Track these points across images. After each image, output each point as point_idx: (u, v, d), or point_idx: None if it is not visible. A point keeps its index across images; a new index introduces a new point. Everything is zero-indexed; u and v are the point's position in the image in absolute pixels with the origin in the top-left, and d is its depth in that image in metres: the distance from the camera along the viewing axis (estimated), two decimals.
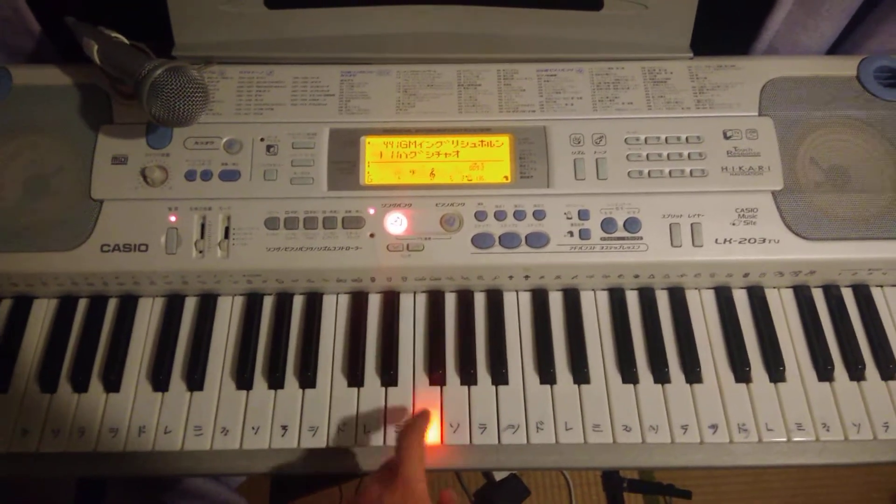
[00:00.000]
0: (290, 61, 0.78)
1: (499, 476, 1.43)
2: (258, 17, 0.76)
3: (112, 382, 0.70)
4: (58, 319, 0.74)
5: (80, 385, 0.71)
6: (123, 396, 0.70)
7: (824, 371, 0.71)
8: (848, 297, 0.77)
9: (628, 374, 0.71)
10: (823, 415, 0.69)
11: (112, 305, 0.75)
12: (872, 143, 0.75)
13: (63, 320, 0.74)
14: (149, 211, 0.72)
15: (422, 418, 0.64)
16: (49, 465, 0.68)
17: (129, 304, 0.75)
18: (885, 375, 0.72)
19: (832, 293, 0.76)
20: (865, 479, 1.46)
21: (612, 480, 1.43)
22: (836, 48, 0.86)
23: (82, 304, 0.75)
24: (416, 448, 0.59)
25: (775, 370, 0.71)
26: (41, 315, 0.75)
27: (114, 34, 0.73)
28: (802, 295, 0.76)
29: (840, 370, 0.72)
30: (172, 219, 0.71)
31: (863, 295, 0.76)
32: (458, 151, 0.75)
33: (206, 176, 0.72)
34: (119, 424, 0.69)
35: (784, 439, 0.68)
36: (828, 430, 0.68)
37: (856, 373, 0.72)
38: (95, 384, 0.71)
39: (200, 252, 0.71)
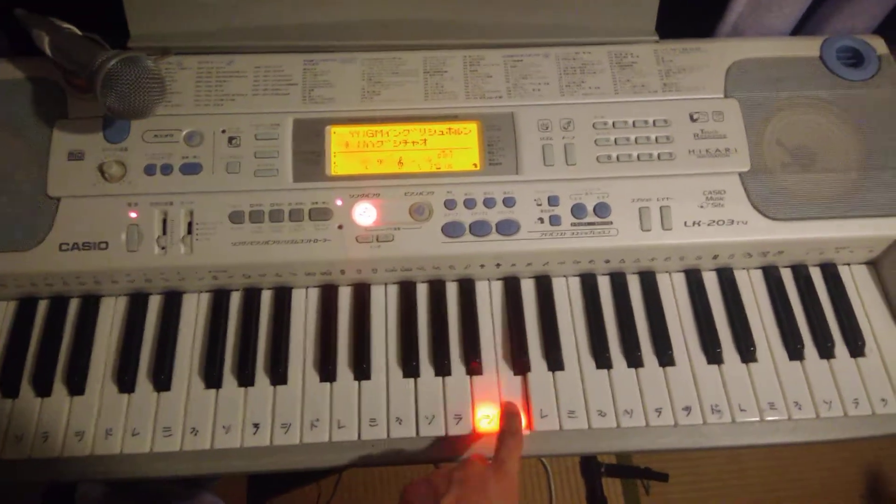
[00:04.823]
0: (251, 50, 0.76)
1: None
2: (216, 5, 0.74)
3: (76, 385, 0.69)
4: (17, 322, 0.72)
5: (43, 389, 0.69)
6: (88, 399, 0.68)
7: (795, 350, 0.72)
8: (816, 276, 0.77)
9: (602, 359, 0.71)
10: (795, 393, 0.70)
11: (73, 306, 0.73)
12: (836, 122, 0.76)
13: (23, 323, 0.72)
14: (108, 207, 0.70)
15: (518, 421, 0.65)
16: (13, 472, 0.66)
17: (91, 305, 0.73)
18: (854, 352, 0.73)
19: (800, 273, 0.77)
20: (839, 455, 1.49)
21: (590, 466, 1.44)
22: (800, 29, 0.86)
23: (42, 306, 0.73)
24: (518, 450, 0.62)
25: (746, 351, 0.72)
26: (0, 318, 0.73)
27: (66, 25, 0.71)
28: (771, 275, 0.77)
29: (810, 349, 0.73)
30: (133, 215, 0.69)
31: (830, 274, 0.77)
32: (425, 139, 0.74)
33: (167, 170, 0.71)
34: (85, 428, 0.67)
35: (757, 419, 0.69)
36: (799, 409, 0.69)
37: (825, 351, 0.72)
38: (59, 388, 0.69)
39: (163, 248, 0.69)
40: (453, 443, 0.68)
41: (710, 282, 0.76)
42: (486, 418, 0.68)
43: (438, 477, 0.58)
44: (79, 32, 0.70)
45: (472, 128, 0.74)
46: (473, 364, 0.70)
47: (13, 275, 0.69)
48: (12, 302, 0.73)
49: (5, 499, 0.90)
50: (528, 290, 0.75)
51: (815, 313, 0.74)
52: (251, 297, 0.73)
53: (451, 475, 0.57)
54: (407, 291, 0.74)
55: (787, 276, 0.77)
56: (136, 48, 0.74)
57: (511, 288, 0.75)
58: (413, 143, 0.74)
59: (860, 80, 0.78)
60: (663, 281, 0.76)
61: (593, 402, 0.69)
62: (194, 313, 0.73)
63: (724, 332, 0.73)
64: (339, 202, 0.71)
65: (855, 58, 0.79)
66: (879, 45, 0.80)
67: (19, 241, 0.68)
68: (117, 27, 0.74)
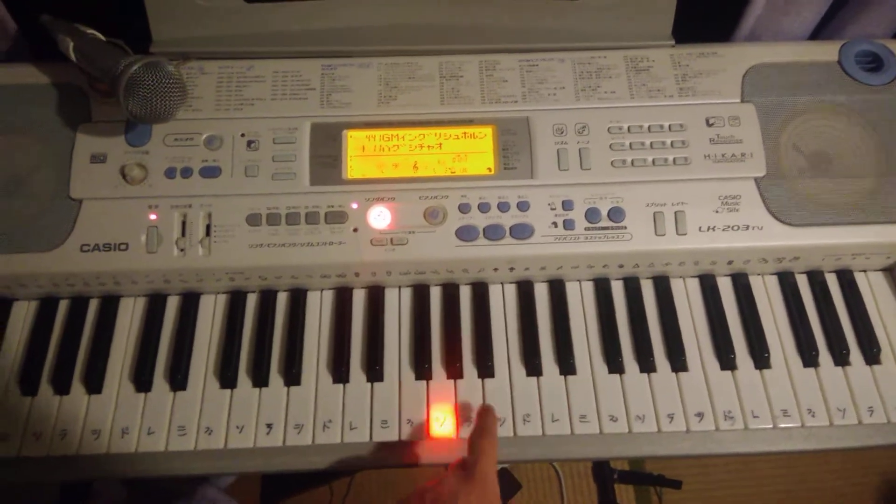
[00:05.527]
0: (270, 55, 0.77)
1: None
2: (237, 12, 0.75)
3: (94, 384, 0.70)
4: (38, 321, 0.73)
5: (62, 387, 0.70)
6: (106, 398, 0.69)
7: (809, 357, 0.72)
8: (832, 282, 0.77)
9: (614, 364, 0.71)
10: (809, 400, 0.69)
11: (93, 306, 0.74)
12: (854, 127, 0.75)
13: (44, 322, 0.73)
14: (129, 209, 0.71)
15: (492, 419, 0.64)
16: (31, 470, 0.67)
17: (110, 305, 0.74)
18: (870, 360, 0.72)
19: (816, 279, 0.77)
20: (854, 462, 1.47)
21: (603, 472, 1.43)
22: (818, 33, 0.86)
23: (63, 306, 0.74)
24: (491, 449, 0.60)
25: (760, 357, 0.71)
26: (21, 317, 0.74)
27: (89, 31, 0.72)
28: (787, 281, 0.76)
29: (825, 356, 0.72)
30: (153, 217, 0.70)
31: (846, 280, 0.77)
32: (440, 144, 0.74)
33: (187, 173, 0.72)
34: (102, 426, 0.68)
35: (770, 426, 0.68)
36: (813, 416, 0.68)
37: (840, 358, 0.72)
38: (77, 386, 0.70)
39: (182, 250, 0.70)
40: (464, 445, 0.68)
41: (725, 287, 0.76)
42: (498, 422, 0.68)
43: (413, 500, 0.56)
44: (102, 38, 0.72)
45: (487, 132, 0.74)
46: (485, 368, 0.70)
47: (35, 275, 0.70)
48: (34, 301, 0.75)
49: (24, 497, 0.92)
50: (541, 294, 0.75)
51: (830, 320, 0.74)
52: (267, 299, 0.74)
53: (423, 497, 0.56)
54: (421, 295, 0.75)
55: (803, 283, 0.77)
56: (158, 53, 0.75)
57: (524, 292, 0.75)
58: (428, 147, 0.74)
59: (879, 84, 0.77)
60: (677, 286, 0.76)
61: (605, 407, 0.69)
62: (211, 314, 0.74)
63: (738, 338, 0.73)
64: (354, 205, 0.71)
65: (874, 62, 0.79)
66: None
67: (41, 241, 0.69)
68: (140, 33, 0.75)
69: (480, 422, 0.64)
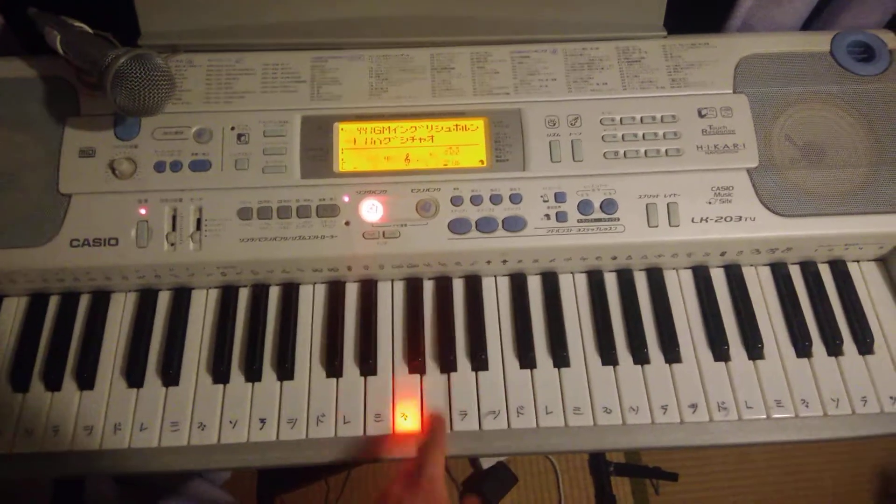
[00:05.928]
0: (260, 48, 0.76)
1: (486, 464, 1.43)
2: (226, 4, 0.75)
3: (86, 380, 0.69)
4: (29, 317, 0.73)
5: (53, 383, 0.69)
6: (98, 394, 0.69)
7: (802, 347, 0.72)
8: (825, 272, 0.77)
9: (608, 356, 0.71)
10: (802, 391, 0.69)
11: (84, 302, 0.74)
12: (847, 118, 0.75)
13: (34, 318, 0.73)
14: (118, 204, 0.70)
15: (440, 428, 0.65)
16: (23, 466, 0.67)
17: (101, 300, 0.73)
18: (863, 350, 0.72)
19: (809, 269, 0.77)
20: (850, 454, 1.48)
21: (599, 465, 1.43)
22: (809, 24, 0.86)
23: (53, 302, 0.74)
24: (439, 455, 0.61)
25: (754, 348, 0.71)
26: (11, 313, 0.73)
27: (77, 24, 0.72)
28: (780, 272, 0.76)
29: (818, 346, 0.72)
30: (143, 211, 0.70)
31: (839, 270, 0.77)
32: (432, 136, 0.74)
33: (176, 167, 0.71)
34: (94, 422, 0.68)
35: (764, 416, 0.68)
36: (807, 406, 0.69)
37: (833, 348, 0.72)
38: (69, 382, 0.70)
39: (172, 245, 0.70)
40: (457, 439, 0.68)
41: (718, 278, 0.76)
42: (492, 415, 0.68)
43: None
44: (90, 31, 0.71)
45: (479, 124, 0.74)
46: (479, 360, 0.70)
47: (25, 270, 0.69)
48: (24, 297, 0.74)
49: (16, 494, 0.91)
50: (534, 286, 0.75)
51: (823, 310, 0.74)
52: (259, 294, 0.74)
53: None
54: (413, 288, 0.75)
55: (796, 273, 0.77)
56: (146, 46, 0.75)
57: (517, 284, 0.75)
58: (420, 139, 0.74)
59: (871, 74, 0.77)
60: (670, 277, 0.76)
61: (599, 399, 0.69)
62: (203, 309, 0.74)
63: (731, 329, 0.73)
64: (346, 199, 0.71)
65: (866, 53, 0.79)
66: (891, 40, 0.79)
67: (31, 237, 0.69)
68: (128, 25, 0.74)
69: (430, 430, 0.65)
